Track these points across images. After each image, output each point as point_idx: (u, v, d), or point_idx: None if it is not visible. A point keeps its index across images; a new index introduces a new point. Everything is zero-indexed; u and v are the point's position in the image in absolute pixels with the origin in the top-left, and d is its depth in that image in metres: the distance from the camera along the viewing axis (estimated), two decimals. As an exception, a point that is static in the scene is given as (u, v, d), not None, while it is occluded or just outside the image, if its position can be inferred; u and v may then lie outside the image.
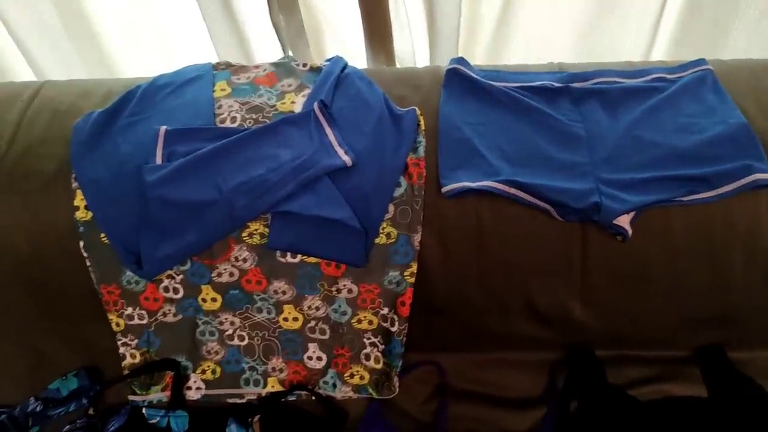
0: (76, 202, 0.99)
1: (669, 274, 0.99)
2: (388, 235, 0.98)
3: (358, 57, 1.42)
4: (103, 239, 0.98)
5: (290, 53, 1.35)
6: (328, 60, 1.15)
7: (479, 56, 1.43)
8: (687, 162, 0.96)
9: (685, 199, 0.95)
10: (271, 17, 1.30)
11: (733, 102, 1.02)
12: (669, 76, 1.07)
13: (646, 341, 1.09)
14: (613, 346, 1.10)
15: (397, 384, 1.05)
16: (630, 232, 0.94)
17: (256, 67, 1.14)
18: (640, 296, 1.02)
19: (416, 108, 1.04)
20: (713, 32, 1.33)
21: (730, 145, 0.97)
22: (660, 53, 1.39)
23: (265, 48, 1.42)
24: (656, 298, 1.02)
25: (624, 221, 0.94)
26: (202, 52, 1.45)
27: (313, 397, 1.07)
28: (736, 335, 1.08)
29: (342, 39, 1.42)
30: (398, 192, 0.98)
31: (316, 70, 1.12)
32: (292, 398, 1.08)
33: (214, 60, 1.18)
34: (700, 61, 1.09)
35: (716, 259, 0.98)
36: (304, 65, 1.14)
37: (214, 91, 1.08)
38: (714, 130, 0.99)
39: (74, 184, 0.99)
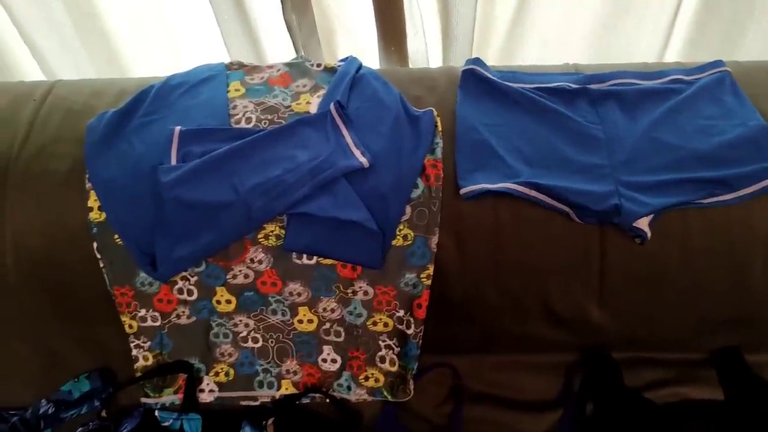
0: (90, 203, 0.98)
1: (687, 277, 0.98)
2: (405, 237, 0.97)
3: (370, 57, 1.41)
4: (116, 240, 0.97)
5: (303, 53, 1.34)
6: (342, 60, 1.14)
7: (492, 57, 1.42)
8: (707, 164, 0.96)
9: (704, 201, 0.95)
10: (284, 16, 1.29)
11: (751, 104, 1.02)
12: (686, 78, 1.07)
13: (663, 343, 1.09)
14: (629, 348, 1.09)
15: (412, 387, 1.05)
16: (649, 234, 0.94)
17: (270, 67, 1.14)
18: (657, 299, 1.01)
19: (433, 109, 1.03)
20: (729, 33, 1.32)
21: (750, 148, 0.96)
22: (675, 54, 1.39)
23: (277, 47, 1.42)
24: (674, 301, 1.01)
25: (643, 224, 0.93)
26: (213, 51, 1.44)
27: (327, 400, 1.07)
28: (753, 338, 1.07)
29: (354, 39, 1.42)
30: (415, 193, 0.97)
31: (330, 70, 1.12)
32: (306, 401, 1.07)
33: (225, 59, 1.17)
34: (718, 63, 1.08)
35: (735, 261, 0.97)
36: (318, 65, 1.13)
37: (228, 91, 1.07)
38: (733, 132, 0.98)
39: (88, 185, 0.98)
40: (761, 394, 1.04)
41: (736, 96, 1.04)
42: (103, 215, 0.97)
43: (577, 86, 1.06)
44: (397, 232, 0.97)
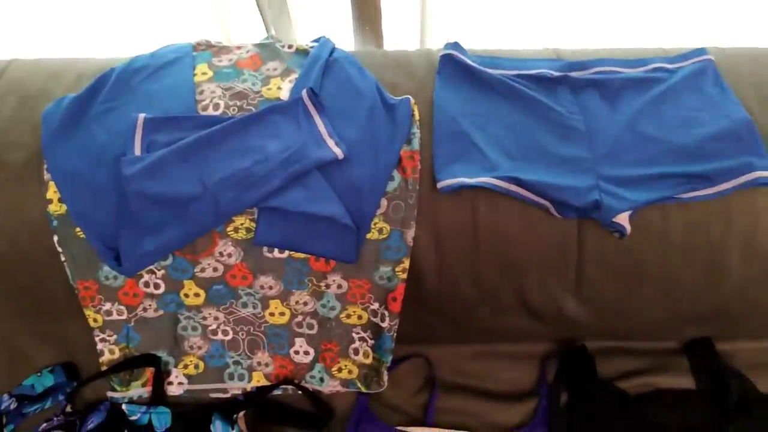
0: (49, 195, 0.93)
1: (665, 271, 0.98)
2: (380, 231, 0.95)
3: (344, 36, 1.35)
4: (78, 233, 0.93)
5: (273, 32, 1.28)
6: (315, 41, 1.09)
7: (471, 37, 1.38)
8: (688, 158, 0.94)
9: (685, 196, 0.93)
10: (253, -6, 1.23)
11: (734, 95, 1.00)
12: (669, 66, 1.04)
13: (637, 334, 1.09)
14: (603, 338, 1.10)
15: (386, 378, 1.03)
16: (628, 229, 0.92)
17: (238, 47, 1.08)
18: (634, 292, 1.01)
19: (410, 97, 0.99)
20: (712, 16, 1.30)
21: (732, 141, 0.95)
22: (657, 36, 1.36)
23: (246, 24, 1.35)
24: (650, 294, 1.01)
25: (623, 219, 0.92)
26: (179, 29, 1.37)
27: (300, 392, 1.05)
28: (725, 328, 1.08)
29: (328, 17, 1.36)
30: (391, 186, 0.94)
31: (302, 52, 1.06)
32: (278, 392, 1.06)
33: (192, 38, 1.11)
34: (701, 51, 1.06)
35: (713, 256, 0.96)
36: (290, 47, 1.08)
37: (194, 74, 1.02)
38: (716, 124, 0.96)
39: (46, 176, 0.93)
40: (731, 383, 1.05)
41: (719, 86, 1.02)
42: (64, 207, 0.93)
43: (559, 74, 1.03)
44: (373, 226, 0.94)
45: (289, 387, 1.05)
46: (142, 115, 0.94)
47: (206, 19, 1.32)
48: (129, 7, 1.40)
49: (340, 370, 1.05)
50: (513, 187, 0.92)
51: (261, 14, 1.27)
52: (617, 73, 1.04)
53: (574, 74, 1.03)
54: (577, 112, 1.00)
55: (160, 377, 1.03)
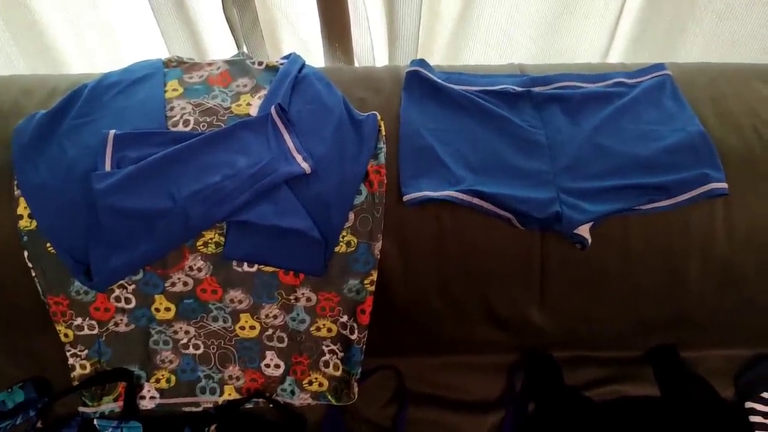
0: (20, 211, 0.94)
1: (626, 281, 1.00)
2: (348, 244, 0.96)
3: (315, 53, 1.38)
4: (49, 249, 0.94)
5: (245, 49, 1.30)
6: (285, 57, 1.11)
7: (438, 54, 1.41)
8: (647, 170, 0.97)
9: (644, 207, 0.96)
10: (224, 11, 1.25)
11: (691, 109, 1.03)
12: (629, 81, 1.07)
13: (602, 342, 1.11)
14: (569, 347, 1.12)
15: (356, 390, 1.04)
16: (589, 240, 0.95)
17: (209, 64, 1.10)
18: (597, 301, 1.03)
19: (377, 113, 1.02)
20: (671, 33, 1.33)
21: (689, 154, 0.98)
22: (619, 53, 1.39)
23: (218, 41, 1.37)
24: (613, 303, 1.03)
25: (584, 230, 0.94)
26: (151, 45, 1.39)
27: (271, 405, 1.06)
28: (688, 336, 1.10)
29: (298, 33, 1.38)
30: (358, 200, 0.96)
31: (272, 69, 1.08)
32: (249, 406, 1.06)
33: (164, 54, 1.12)
34: (660, 66, 1.09)
35: (672, 265, 0.99)
36: (260, 63, 1.09)
37: (165, 91, 1.03)
38: (673, 137, 0.99)
39: (17, 192, 0.94)
40: (695, 390, 1.07)
41: (676, 100, 1.05)
42: (34, 223, 0.94)
43: (521, 89, 1.05)
44: (341, 239, 0.96)
45: (261, 400, 1.06)
46: (112, 132, 0.95)
47: (178, 37, 1.33)
48: (101, 23, 1.41)
49: (310, 383, 1.06)
50: (476, 200, 0.94)
51: (233, 33, 1.29)
52: (578, 88, 1.06)
53: (537, 89, 1.06)
54: (539, 126, 1.02)
55: (132, 391, 1.04)
